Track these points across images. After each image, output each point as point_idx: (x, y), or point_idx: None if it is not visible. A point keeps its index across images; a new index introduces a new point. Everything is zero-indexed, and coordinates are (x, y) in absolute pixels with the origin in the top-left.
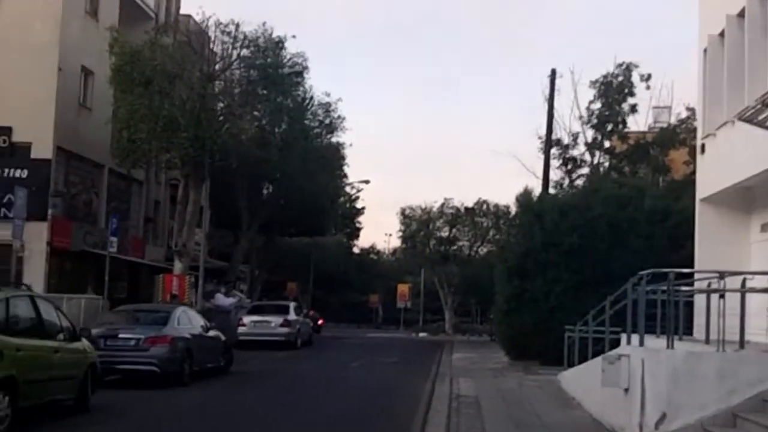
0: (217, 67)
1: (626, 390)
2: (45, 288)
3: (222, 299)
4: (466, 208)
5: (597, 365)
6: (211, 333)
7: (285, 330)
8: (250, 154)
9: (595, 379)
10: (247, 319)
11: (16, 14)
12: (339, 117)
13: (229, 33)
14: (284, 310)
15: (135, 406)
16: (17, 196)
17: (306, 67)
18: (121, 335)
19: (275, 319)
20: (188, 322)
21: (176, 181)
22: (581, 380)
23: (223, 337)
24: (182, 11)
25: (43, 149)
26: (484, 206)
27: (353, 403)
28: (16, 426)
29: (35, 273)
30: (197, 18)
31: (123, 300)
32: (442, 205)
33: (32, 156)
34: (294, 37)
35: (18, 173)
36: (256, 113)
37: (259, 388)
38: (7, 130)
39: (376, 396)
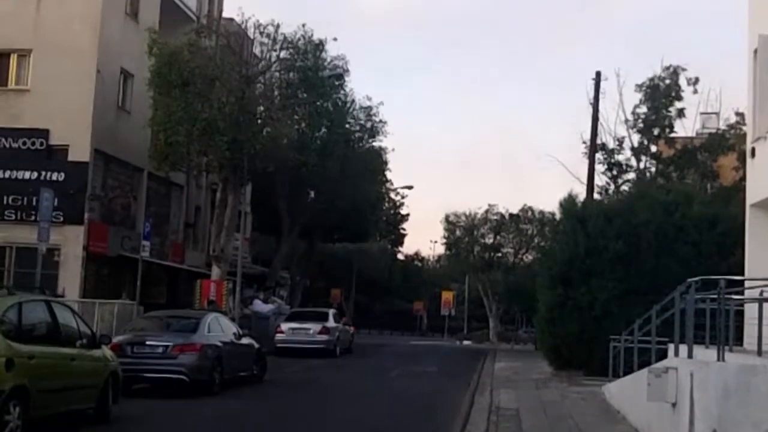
0: (256, 69)
1: (674, 405)
2: (81, 293)
3: (260, 305)
4: (511, 215)
5: (643, 377)
6: (244, 340)
7: (324, 337)
8: (288, 158)
9: (640, 392)
10: (285, 326)
11: (54, 16)
12: (380, 121)
13: (268, 35)
14: (323, 317)
15: (159, 415)
16: (43, 198)
17: (346, 70)
18: (148, 342)
19: (314, 326)
20: (219, 328)
21: (217, 186)
22: (626, 393)
23: (256, 345)
24: (224, 14)
25: (80, 152)
26: (529, 213)
27: (388, 415)
28: None
29: (71, 278)
30: (237, 19)
31: (162, 306)
32: (487, 211)
33: (69, 159)
34: (335, 39)
35: (55, 176)
36: (295, 117)
37: (291, 398)
38: (44, 133)
39: (412, 407)
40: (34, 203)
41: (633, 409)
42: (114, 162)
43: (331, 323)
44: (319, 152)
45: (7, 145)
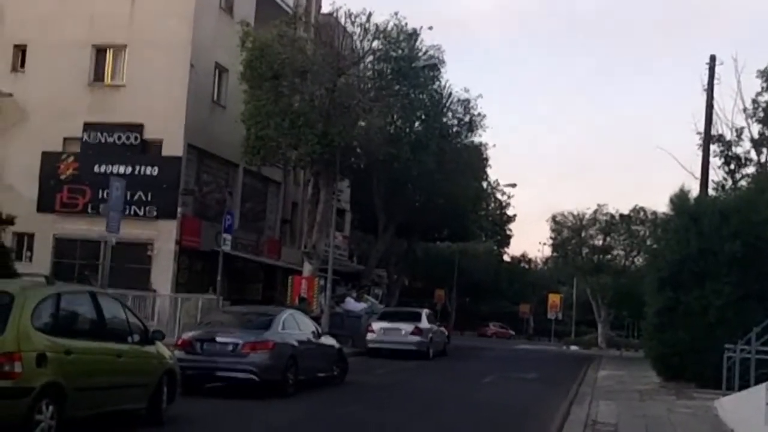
0: (347, 60)
1: None
2: (173, 287)
3: (352, 304)
4: (622, 215)
5: (760, 394)
6: (323, 339)
7: (416, 339)
8: (380, 152)
9: (757, 410)
10: (376, 326)
11: (149, 11)
12: (479, 114)
13: (360, 24)
14: (416, 318)
15: (220, 418)
16: (113, 188)
17: (442, 61)
18: (218, 339)
19: (406, 327)
20: (295, 326)
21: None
22: (741, 410)
23: (336, 345)
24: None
25: (174, 147)
26: (641, 213)
27: (472, 426)
28: None
29: (163, 272)
30: (328, 8)
31: (257, 302)
32: (596, 211)
33: (163, 153)
34: (430, 28)
35: (149, 171)
36: (387, 109)
37: (371, 403)
38: (138, 128)
39: (500, 418)
40: (128, 198)
41: (748, 430)
42: (208, 157)
43: (424, 324)
44: (413, 146)
45: (103, 140)
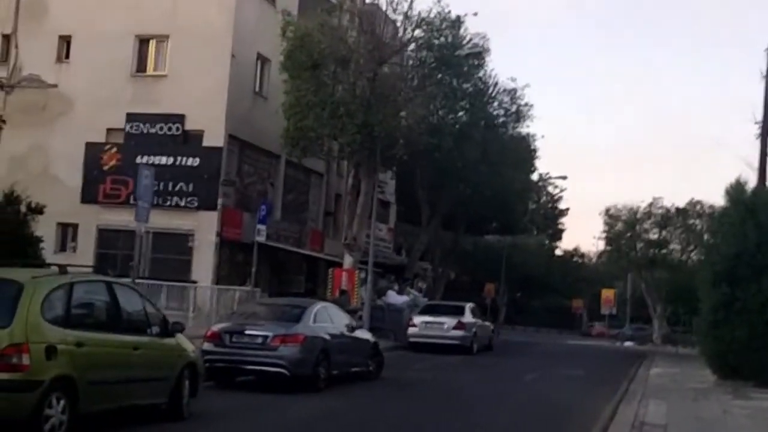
0: (388, 49)
1: None
2: (214, 279)
3: (394, 297)
4: (678, 209)
5: None
6: (357, 333)
7: (459, 333)
8: (421, 142)
9: None
10: (417, 320)
11: (191, 1)
12: (526, 104)
13: (402, 12)
14: (459, 311)
15: (244, 413)
16: (142, 176)
17: (487, 49)
18: (247, 332)
19: (448, 321)
20: (327, 319)
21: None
22: None
23: (372, 339)
24: None
25: (215, 137)
26: (698, 207)
27: (504, 427)
28: None
29: (204, 263)
30: None
31: (298, 295)
32: (650, 204)
33: (204, 144)
34: (475, 14)
35: (190, 161)
36: (429, 98)
37: (405, 400)
38: (180, 118)
39: (539, 418)
40: (170, 188)
41: None
42: (250, 148)
43: (467, 318)
44: (456, 136)
45: (145, 131)
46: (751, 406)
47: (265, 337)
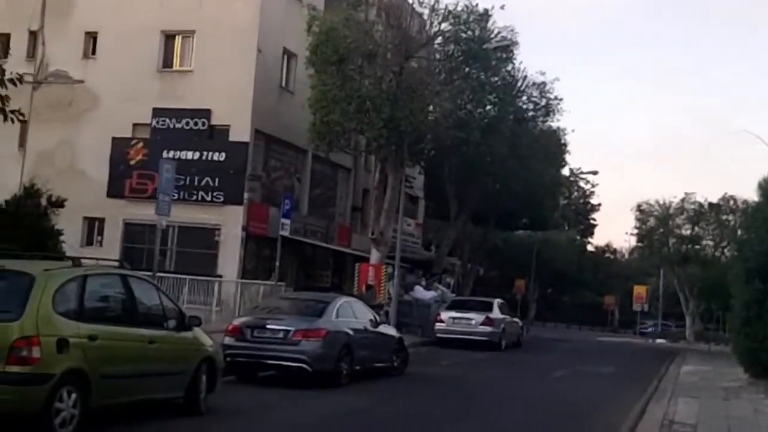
0: (415, 42)
1: None
2: (240, 273)
3: (422, 292)
4: (711, 204)
5: None
6: (381, 328)
7: (487, 329)
8: (448, 136)
9: None
10: (445, 315)
11: None
12: (556, 98)
13: (429, 5)
14: (487, 307)
15: (262, 408)
16: (163, 169)
17: (515, 42)
18: (269, 326)
19: (476, 317)
20: (351, 314)
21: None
22: None
23: (396, 334)
24: None
25: (241, 132)
26: (731, 202)
27: (527, 425)
28: (89, 427)
29: (230, 257)
30: None
31: (326, 290)
32: (683, 200)
33: (230, 139)
34: (502, 7)
35: (216, 156)
36: (457, 92)
37: (428, 397)
38: (206, 113)
39: (565, 417)
40: (196, 183)
41: None
42: (276, 143)
43: (496, 314)
44: (483, 130)
45: (171, 126)
46: None
47: (287, 331)
